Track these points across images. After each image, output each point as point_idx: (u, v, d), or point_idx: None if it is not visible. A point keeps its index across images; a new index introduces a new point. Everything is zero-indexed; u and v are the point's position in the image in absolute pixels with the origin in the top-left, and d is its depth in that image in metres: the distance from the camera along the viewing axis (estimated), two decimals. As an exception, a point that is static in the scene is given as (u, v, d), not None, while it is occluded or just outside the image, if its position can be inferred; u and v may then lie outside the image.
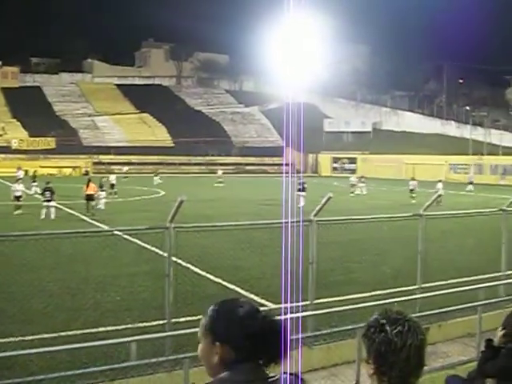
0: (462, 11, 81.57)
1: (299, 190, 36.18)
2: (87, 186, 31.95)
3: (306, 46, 75.58)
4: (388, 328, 2.52)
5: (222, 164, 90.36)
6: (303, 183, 37.99)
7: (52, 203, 29.57)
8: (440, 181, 44.20)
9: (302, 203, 34.15)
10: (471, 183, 59.11)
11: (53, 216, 28.78)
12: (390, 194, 50.10)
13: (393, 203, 39.83)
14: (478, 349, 10.56)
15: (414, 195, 42.50)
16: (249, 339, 2.49)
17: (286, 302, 10.32)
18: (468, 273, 15.46)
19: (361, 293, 13.60)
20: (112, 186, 42.58)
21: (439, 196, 36.77)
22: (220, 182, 59.40)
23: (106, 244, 12.40)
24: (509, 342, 5.13)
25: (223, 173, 65.15)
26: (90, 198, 31.54)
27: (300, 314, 10.06)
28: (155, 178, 57.45)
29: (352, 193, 48.77)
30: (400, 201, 40.99)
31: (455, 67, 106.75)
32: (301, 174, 57.65)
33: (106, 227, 23.07)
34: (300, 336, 9.31)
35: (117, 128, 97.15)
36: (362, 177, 55.33)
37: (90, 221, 27.33)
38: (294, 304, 10.75)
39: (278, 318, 2.71)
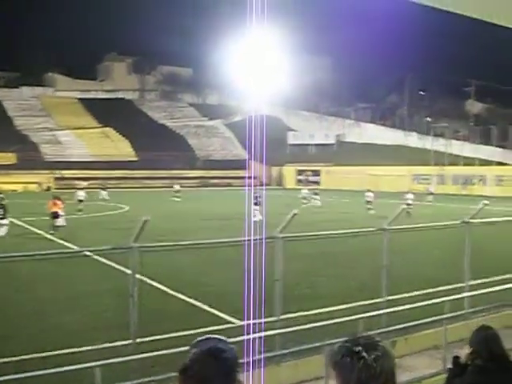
0: (422, 24, 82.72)
1: (255, 204, 35.62)
2: (53, 203, 30.75)
3: (268, 59, 75.90)
4: (365, 354, 2.48)
5: (186, 178, 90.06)
6: (258, 197, 37.16)
7: (4, 221, 28.36)
8: (409, 192, 43.95)
9: (257, 217, 33.27)
10: (431, 194, 59.72)
11: (2, 233, 27.54)
12: (348, 206, 50.01)
13: (349, 215, 39.48)
14: (444, 361, 10.61)
15: (370, 207, 42.54)
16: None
17: (252, 319, 10.30)
18: (433, 284, 15.55)
19: (327, 307, 13.60)
20: (80, 201, 41.50)
21: (408, 205, 37.31)
22: (177, 197, 58.33)
23: (70, 263, 12.21)
24: (475, 359, 5.13)
25: (181, 186, 64.20)
26: (55, 215, 30.27)
27: (262, 334, 9.99)
28: (102, 192, 56.46)
29: (304, 205, 47.58)
30: (357, 212, 41.13)
31: (416, 79, 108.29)
32: (258, 188, 56.72)
33: (70, 245, 22.77)
34: (262, 356, 9.23)
35: (79, 143, 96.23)
36: (315, 189, 55.72)
37: (54, 239, 26.81)
38: (261, 320, 10.72)
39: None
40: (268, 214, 22.39)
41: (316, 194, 52.79)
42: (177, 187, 62.05)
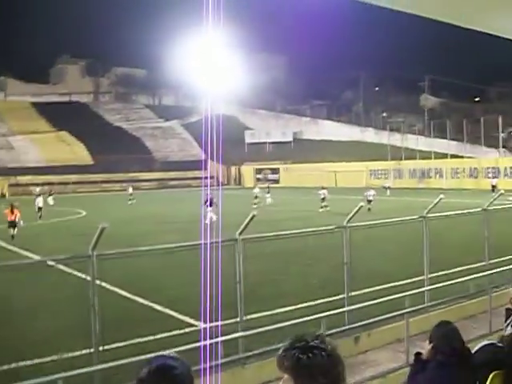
0: (375, 22, 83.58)
1: (207, 206, 34.84)
2: (11, 211, 29.90)
3: (223, 58, 75.83)
4: (321, 345, 2.54)
5: (144, 180, 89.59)
6: (211, 198, 35.88)
7: None
8: (370, 188, 43.94)
9: (209, 218, 32.87)
10: (387, 188, 60.38)
11: None
12: (304, 203, 49.73)
13: (302, 213, 39.08)
14: (406, 354, 10.73)
15: (325, 204, 42.35)
16: None
17: (215, 321, 10.29)
18: (393, 279, 15.72)
19: (290, 305, 13.64)
20: (39, 209, 40.20)
21: (369, 202, 37.52)
22: (131, 199, 57.15)
23: (29, 272, 12.02)
24: (436, 354, 5.18)
25: (134, 189, 63.08)
26: (12, 224, 29.46)
27: (225, 338, 10.00)
28: (49, 198, 52.41)
29: (255, 204, 47.12)
30: (312, 210, 41.13)
31: (371, 75, 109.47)
32: (214, 188, 55.71)
33: (28, 254, 22.40)
34: (219, 362, 9.24)
35: (34, 147, 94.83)
36: (267, 187, 55.23)
37: (12, 248, 26.11)
38: (224, 322, 10.72)
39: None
40: (226, 214, 22.29)
41: (268, 192, 52.43)
42: (130, 190, 60.64)
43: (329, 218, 33.00)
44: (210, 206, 34.79)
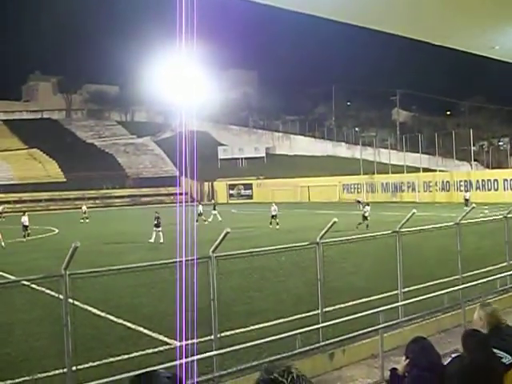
0: (347, 37, 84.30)
1: (155, 226, 34.24)
2: None
3: (195, 74, 76.04)
4: (282, 379, 2.64)
5: (116, 197, 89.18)
6: (158, 218, 34.57)
7: None
8: (368, 204, 41.59)
9: (155, 239, 33.05)
10: (359, 202, 60.69)
11: None
12: (257, 220, 48.30)
13: (245, 232, 37.86)
14: (381, 370, 10.74)
15: (276, 221, 40.97)
16: None
17: (190, 339, 10.22)
18: (367, 294, 15.75)
19: (264, 322, 13.60)
20: (25, 227, 38.73)
21: (365, 218, 36.53)
22: (85, 218, 55.37)
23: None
24: (413, 369, 5.21)
25: (88, 208, 61.38)
26: None
27: (200, 356, 9.93)
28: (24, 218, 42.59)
29: (197, 221, 44.41)
30: (260, 227, 40.21)
31: (342, 90, 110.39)
32: (156, 206, 53.39)
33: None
34: (195, 380, 9.18)
35: (5, 165, 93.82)
36: (214, 204, 53.72)
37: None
38: (198, 340, 10.65)
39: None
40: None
41: (214, 208, 51.06)
42: (84, 208, 58.32)
43: (271, 236, 33.09)
44: (158, 226, 34.11)
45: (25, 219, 39.11)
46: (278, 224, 40.30)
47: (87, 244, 28.54)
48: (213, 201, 52.56)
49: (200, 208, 48.62)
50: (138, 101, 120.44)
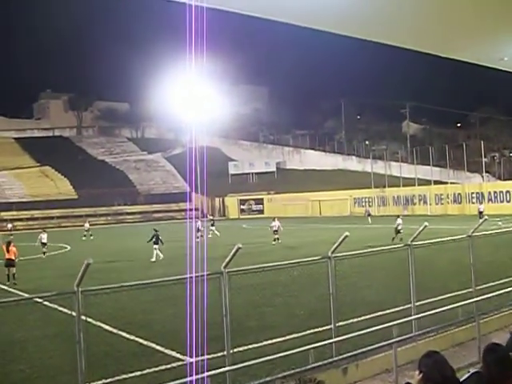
0: (357, 51, 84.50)
1: (154, 243, 33.47)
2: (7, 249, 27.04)
3: (205, 90, 76.30)
4: None
5: (128, 213, 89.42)
6: (157, 235, 33.91)
7: None
8: (398, 216, 39.90)
9: (154, 256, 32.54)
10: (369, 215, 60.80)
11: None
12: (256, 236, 47.21)
13: (244, 248, 39.39)
14: (395, 384, 10.66)
15: (276, 236, 40.38)
16: None
17: (202, 355, 10.19)
18: (380, 308, 15.66)
19: (277, 337, 13.54)
20: (44, 244, 38.54)
21: (398, 231, 35.50)
22: (89, 235, 55.00)
23: (14, 309, 11.84)
24: (427, 383, 5.16)
25: (116, 222, 61.09)
26: (10, 263, 26.63)
27: (213, 372, 9.89)
28: (42, 235, 40.52)
29: (198, 238, 43.72)
30: (263, 242, 39.78)
31: (352, 104, 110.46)
32: (201, 219, 52.84)
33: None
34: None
35: (17, 183, 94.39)
36: (212, 219, 52.34)
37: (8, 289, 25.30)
38: (211, 356, 10.61)
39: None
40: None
41: (213, 224, 50.13)
42: (87, 225, 57.73)
43: (270, 254, 32.23)
44: (156, 243, 33.47)
45: (43, 236, 39.04)
46: (278, 239, 39.83)
47: (99, 261, 28.69)
48: (211, 217, 51.42)
49: (199, 224, 47.43)
50: (149, 117, 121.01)
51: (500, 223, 37.94)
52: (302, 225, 58.19)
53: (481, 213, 52.41)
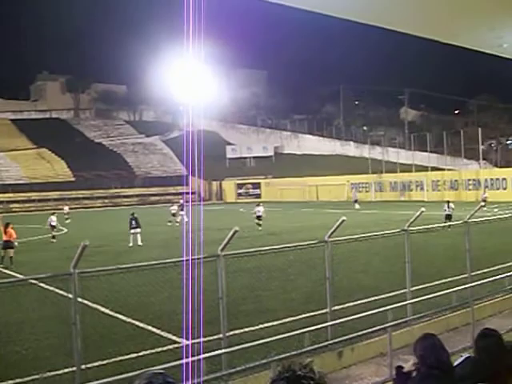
0: (355, 36, 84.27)
1: (133, 228, 32.47)
2: (4, 231, 26.83)
3: (203, 74, 76.06)
4: (311, 374, 2.58)
5: (125, 196, 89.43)
6: (135, 218, 32.93)
7: None
8: (448, 201, 36.63)
9: (138, 241, 31.69)
10: (356, 201, 60.31)
11: None
12: (237, 222, 46.97)
13: (216, 235, 39.40)
14: (390, 368, 10.72)
15: (260, 222, 38.96)
16: None
17: (198, 338, 10.24)
18: (376, 292, 15.75)
19: (273, 321, 13.62)
20: (53, 227, 37.27)
21: (448, 217, 32.50)
22: (67, 219, 52.34)
23: (10, 291, 11.86)
24: (421, 367, 5.18)
25: (113, 205, 59.66)
26: (7, 245, 26.29)
27: (208, 355, 9.94)
28: (52, 217, 39.06)
29: (170, 222, 44.77)
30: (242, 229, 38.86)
31: (351, 89, 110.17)
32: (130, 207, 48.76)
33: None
34: (201, 379, 9.19)
35: (14, 165, 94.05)
36: (181, 205, 48.15)
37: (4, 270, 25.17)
38: (207, 338, 10.67)
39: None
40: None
41: (182, 209, 46.75)
42: (66, 209, 55.72)
43: (277, 236, 32.41)
44: (136, 227, 32.48)
45: (53, 219, 37.94)
46: (260, 226, 38.34)
47: (98, 244, 28.75)
48: (180, 201, 48.95)
49: (173, 208, 46.91)
50: (146, 100, 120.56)
51: (496, 210, 38.02)
52: (294, 209, 58.39)
53: (484, 200, 51.75)
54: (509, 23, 11.52)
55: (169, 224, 44.45)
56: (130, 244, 31.87)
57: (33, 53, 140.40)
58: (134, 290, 16.77)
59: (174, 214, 46.01)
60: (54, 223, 37.82)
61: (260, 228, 37.77)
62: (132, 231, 32.48)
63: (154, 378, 2.64)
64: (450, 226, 28.46)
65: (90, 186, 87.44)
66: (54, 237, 36.69)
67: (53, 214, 39.11)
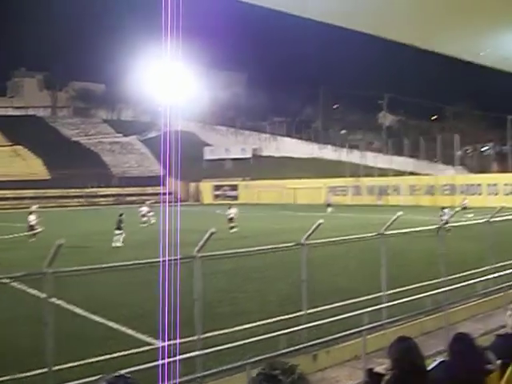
0: (335, 40, 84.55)
1: (117, 229, 32.42)
2: None
3: (183, 74, 75.82)
4: (282, 377, 2.63)
5: (101, 196, 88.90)
6: (120, 221, 32.77)
7: None
8: (443, 208, 35.60)
9: (118, 243, 31.44)
10: (329, 205, 60.15)
11: None
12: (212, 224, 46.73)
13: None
14: (364, 371, 10.74)
15: (233, 225, 38.80)
16: None
17: (173, 340, 10.17)
18: (352, 295, 15.78)
19: (248, 323, 13.58)
20: (31, 227, 36.58)
21: (445, 222, 32.03)
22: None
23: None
24: (394, 370, 5.19)
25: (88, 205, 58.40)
26: None
27: (183, 356, 9.88)
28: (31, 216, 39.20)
29: (143, 223, 44.28)
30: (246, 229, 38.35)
31: (330, 93, 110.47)
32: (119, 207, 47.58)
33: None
34: (177, 380, 9.14)
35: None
36: (148, 205, 47.71)
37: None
38: (181, 340, 10.60)
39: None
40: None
41: (149, 211, 45.98)
42: (34, 207, 55.32)
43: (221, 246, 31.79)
44: (120, 228, 32.46)
45: (31, 218, 37.20)
46: (234, 228, 38.18)
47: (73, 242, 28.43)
48: (147, 202, 48.18)
49: (144, 209, 46.32)
50: (125, 99, 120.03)
51: (471, 215, 38.22)
52: (271, 212, 58.40)
53: (464, 208, 51.64)
54: (487, 32, 11.63)
55: (142, 225, 44.10)
56: (118, 244, 31.53)
57: (10, 49, 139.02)
58: (109, 290, 16.69)
59: (143, 215, 45.59)
60: (32, 222, 37.03)
61: (231, 231, 37.33)
62: (117, 232, 32.23)
63: (114, 381, 2.60)
64: (449, 230, 28.34)
65: (66, 185, 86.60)
66: (33, 236, 35.83)
67: (31, 213, 38.23)
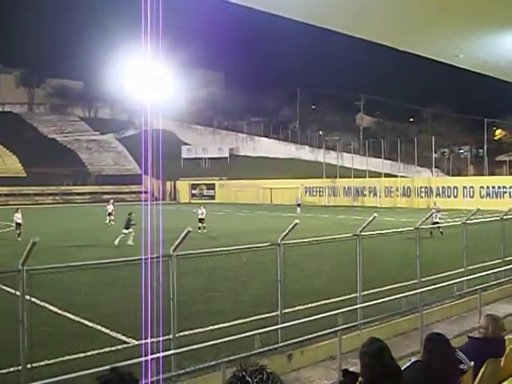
0: (313, 40, 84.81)
1: (125, 228, 31.87)
2: None
3: (160, 73, 75.53)
4: (249, 379, 2.73)
5: (77, 193, 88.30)
6: (129, 220, 32.08)
7: None
8: (439, 211, 35.88)
9: (129, 241, 30.63)
10: (299, 205, 60.20)
11: None
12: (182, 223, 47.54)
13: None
14: (339, 371, 10.78)
15: (203, 225, 38.53)
16: None
17: (148, 338, 10.14)
18: (327, 296, 15.83)
19: (223, 322, 13.58)
20: (18, 225, 35.36)
21: (436, 223, 29.40)
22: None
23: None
24: (366, 371, 5.21)
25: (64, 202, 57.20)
26: None
27: (157, 355, 9.86)
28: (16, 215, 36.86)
29: (109, 222, 44.17)
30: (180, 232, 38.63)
31: (308, 94, 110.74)
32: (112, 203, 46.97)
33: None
34: (161, 377, 9.14)
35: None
36: (112, 203, 47.02)
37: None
38: (157, 339, 10.57)
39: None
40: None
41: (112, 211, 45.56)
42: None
43: (231, 237, 31.97)
44: (128, 228, 31.67)
45: (17, 216, 35.95)
46: (205, 228, 38.06)
47: (49, 240, 28.19)
48: (112, 200, 47.76)
49: (110, 208, 45.76)
50: (103, 97, 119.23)
51: (446, 217, 38.56)
52: (248, 211, 58.32)
53: (438, 211, 52.00)
54: (465, 34, 11.72)
55: (107, 223, 43.99)
56: (130, 243, 30.50)
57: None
58: (83, 288, 16.59)
59: (109, 214, 45.24)
60: (19, 220, 35.85)
61: (200, 231, 36.81)
62: (125, 231, 31.64)
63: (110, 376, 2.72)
64: (441, 232, 28.56)
65: (42, 182, 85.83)
66: (18, 234, 34.72)
67: (16, 210, 36.88)
